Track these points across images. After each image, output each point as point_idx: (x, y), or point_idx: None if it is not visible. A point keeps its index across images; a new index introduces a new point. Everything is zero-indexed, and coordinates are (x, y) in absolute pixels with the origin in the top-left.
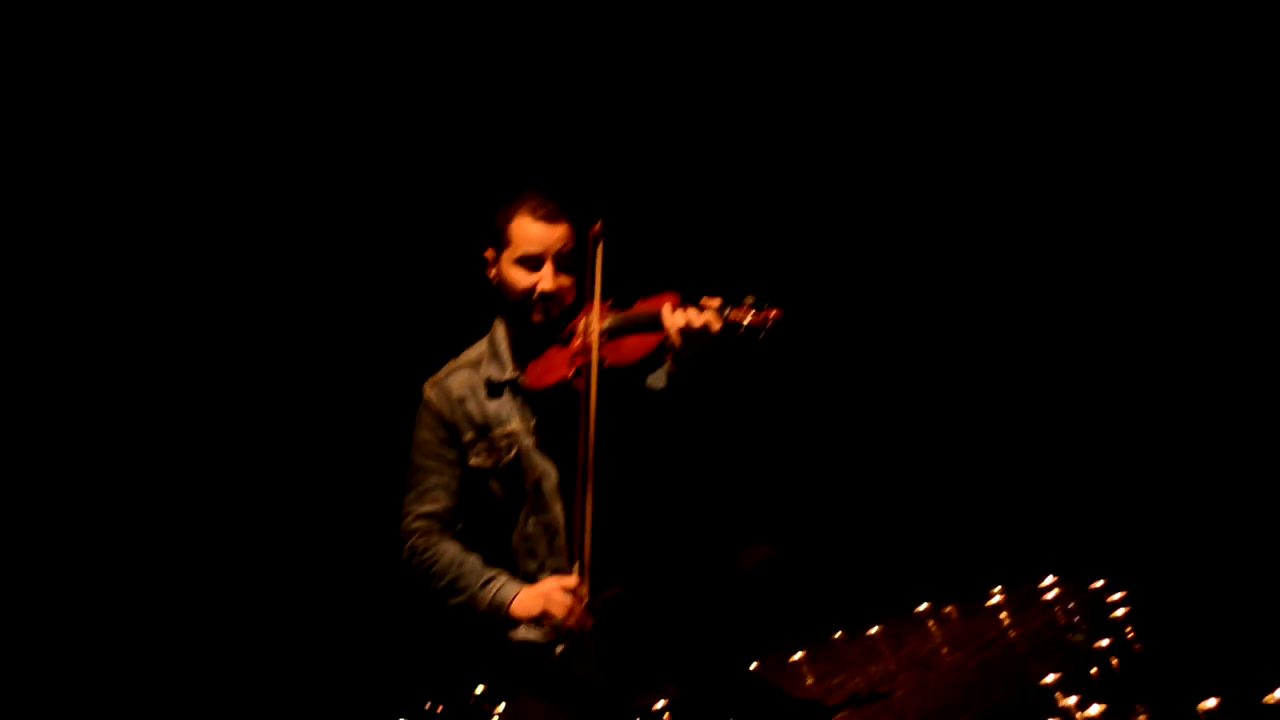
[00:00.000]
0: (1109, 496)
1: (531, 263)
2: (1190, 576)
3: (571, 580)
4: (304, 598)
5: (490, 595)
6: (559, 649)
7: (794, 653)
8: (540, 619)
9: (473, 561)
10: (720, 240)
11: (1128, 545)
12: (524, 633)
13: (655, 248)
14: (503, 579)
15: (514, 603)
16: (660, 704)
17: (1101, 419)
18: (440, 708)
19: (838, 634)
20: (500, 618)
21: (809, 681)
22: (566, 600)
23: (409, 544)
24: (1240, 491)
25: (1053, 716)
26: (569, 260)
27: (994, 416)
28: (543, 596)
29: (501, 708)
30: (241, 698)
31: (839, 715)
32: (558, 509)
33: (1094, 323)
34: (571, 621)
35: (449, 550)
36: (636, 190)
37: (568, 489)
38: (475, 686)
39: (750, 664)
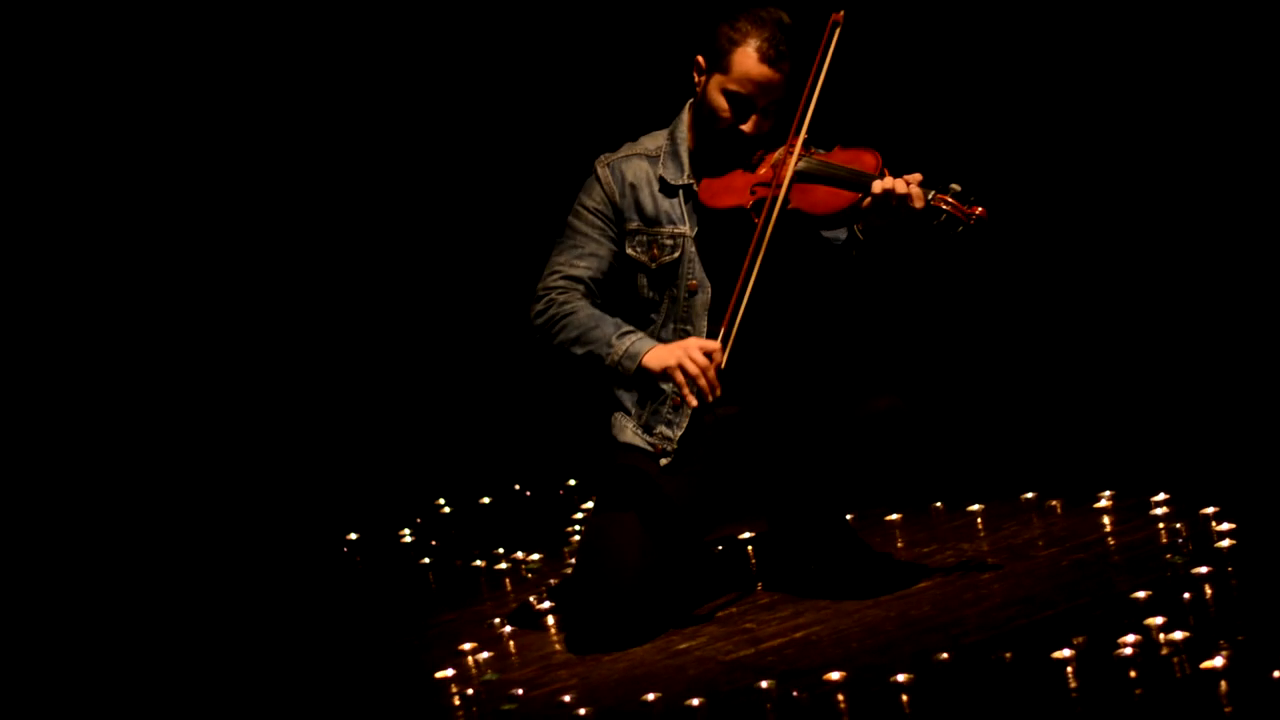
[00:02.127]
0: (1242, 427)
1: (740, 101)
2: None
3: (714, 344)
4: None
5: (626, 344)
6: (663, 461)
7: (890, 513)
8: (671, 371)
9: (615, 319)
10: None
11: (1252, 478)
12: (630, 436)
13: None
14: (642, 335)
15: (649, 353)
16: (746, 534)
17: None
18: (529, 493)
19: (937, 504)
20: (630, 369)
21: (899, 544)
22: (703, 359)
23: (548, 296)
24: None
25: (1134, 632)
26: (774, 107)
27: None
28: (681, 349)
29: (589, 505)
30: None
31: (921, 584)
32: (702, 325)
33: None
34: (703, 381)
35: (588, 306)
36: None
37: (717, 308)
38: (569, 479)
39: (846, 513)
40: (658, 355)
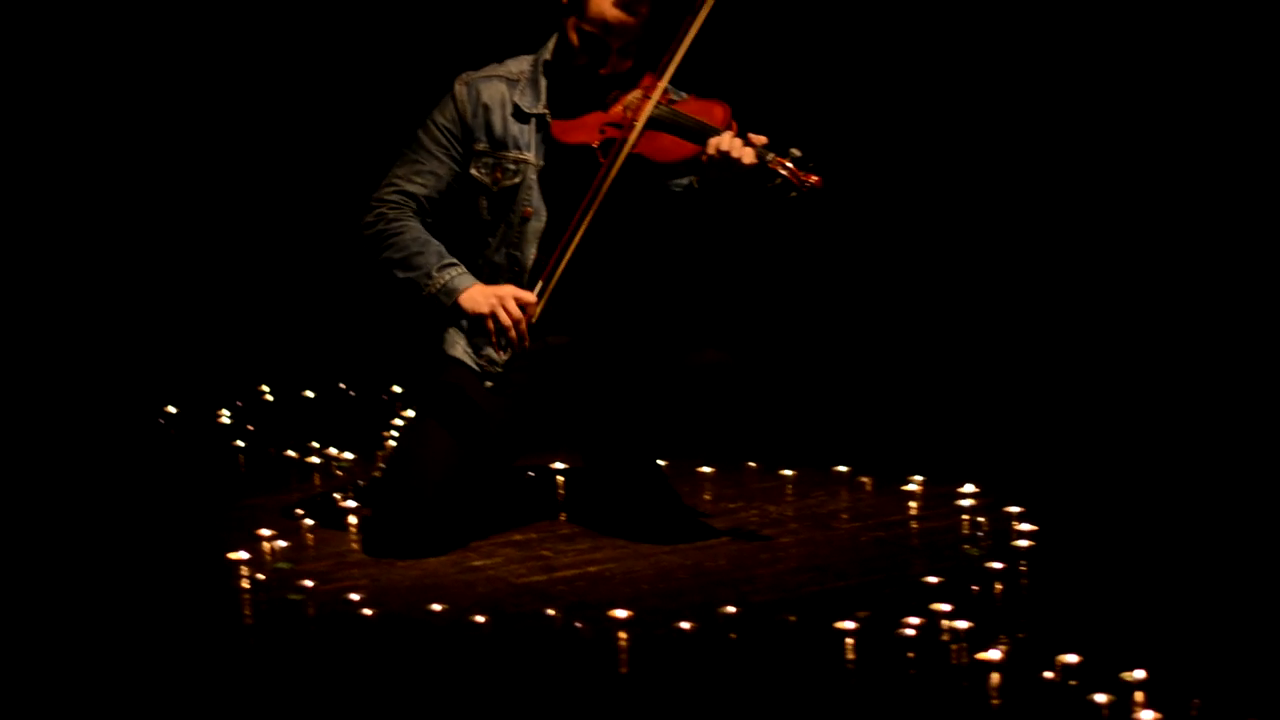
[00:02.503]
0: (1060, 436)
1: (595, 42)
2: (1110, 539)
3: (529, 295)
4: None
5: (445, 278)
6: (487, 383)
7: (703, 465)
8: (484, 318)
9: (438, 245)
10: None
11: (1060, 485)
12: (460, 352)
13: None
14: (463, 269)
15: (466, 292)
16: (559, 465)
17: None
18: (352, 393)
19: (751, 463)
20: (445, 304)
21: (707, 497)
22: (516, 311)
23: (379, 210)
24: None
25: (918, 616)
26: (633, 47)
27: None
28: (496, 296)
29: (409, 413)
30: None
31: (721, 538)
32: (531, 251)
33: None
34: (513, 333)
35: (417, 228)
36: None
37: (549, 237)
38: (393, 385)
39: (660, 458)
40: (473, 297)
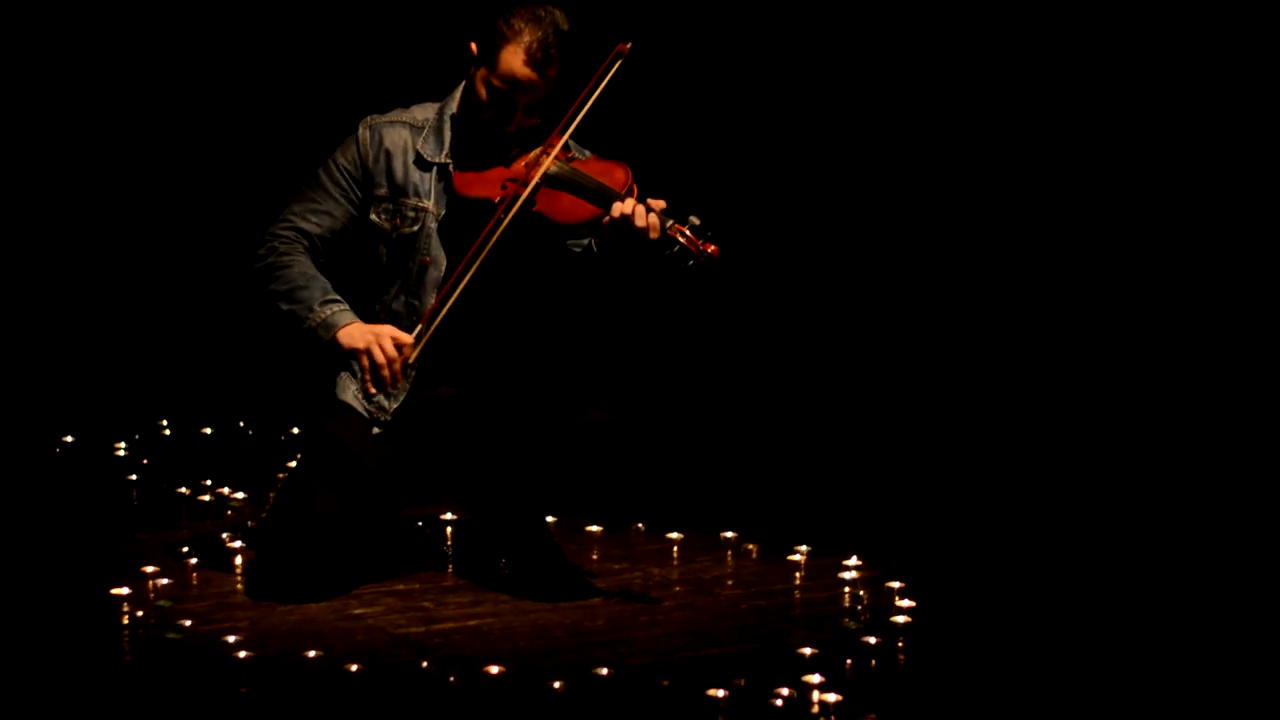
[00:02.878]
0: (950, 516)
1: (502, 98)
2: (987, 618)
3: (407, 337)
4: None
5: (326, 313)
6: (375, 430)
7: (592, 525)
8: (359, 354)
9: (325, 282)
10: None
11: (944, 564)
12: (350, 397)
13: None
14: (346, 307)
15: (344, 329)
16: (448, 516)
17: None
18: (251, 431)
19: (639, 525)
20: (324, 338)
21: (594, 556)
22: (391, 351)
23: (271, 244)
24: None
25: (789, 687)
26: (539, 105)
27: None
28: (374, 335)
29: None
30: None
31: (602, 598)
32: (430, 300)
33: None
34: (385, 372)
35: (306, 263)
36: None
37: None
38: (292, 427)
39: (547, 515)
40: (350, 334)
